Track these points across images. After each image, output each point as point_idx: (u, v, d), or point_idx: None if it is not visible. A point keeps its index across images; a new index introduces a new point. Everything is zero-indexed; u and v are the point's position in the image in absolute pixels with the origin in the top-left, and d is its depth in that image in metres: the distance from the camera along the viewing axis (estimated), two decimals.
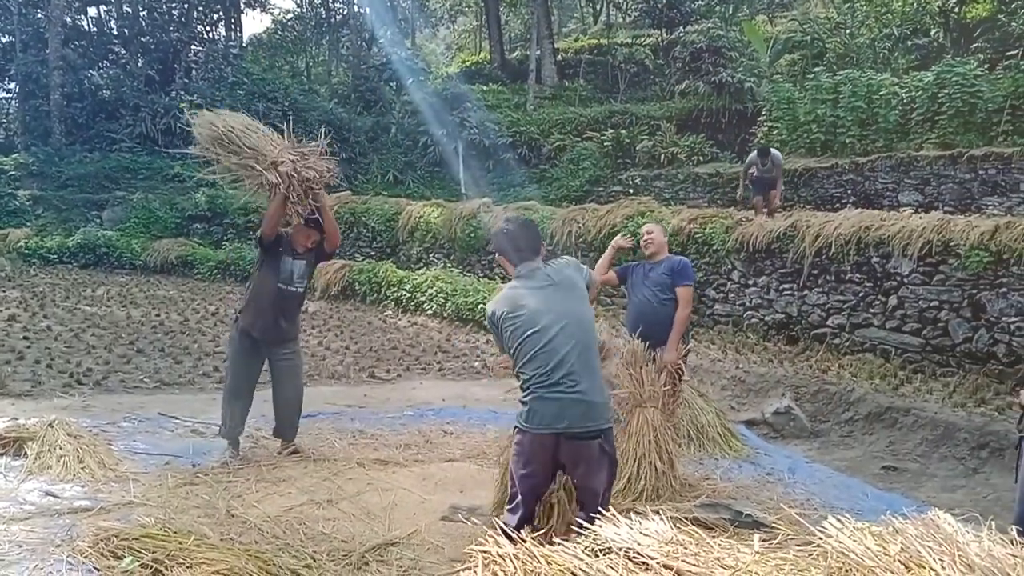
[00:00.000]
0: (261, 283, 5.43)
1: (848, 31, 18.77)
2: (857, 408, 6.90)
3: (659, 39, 26.48)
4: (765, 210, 10.30)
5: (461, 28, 42.81)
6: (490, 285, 11.80)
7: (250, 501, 4.54)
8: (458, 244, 13.97)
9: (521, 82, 26.42)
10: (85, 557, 3.52)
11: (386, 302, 13.01)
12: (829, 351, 8.46)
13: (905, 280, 7.92)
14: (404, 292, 12.73)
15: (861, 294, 8.35)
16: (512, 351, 3.37)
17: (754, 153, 10.52)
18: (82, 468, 4.77)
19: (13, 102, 26.02)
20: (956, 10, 16.73)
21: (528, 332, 3.29)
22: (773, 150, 10.65)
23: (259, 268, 5.56)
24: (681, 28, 22.98)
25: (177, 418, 6.31)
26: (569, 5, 39.31)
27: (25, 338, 9.14)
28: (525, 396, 3.33)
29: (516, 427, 3.41)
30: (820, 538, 2.24)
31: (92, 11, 27.79)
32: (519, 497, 3.42)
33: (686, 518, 3.81)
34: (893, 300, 8.04)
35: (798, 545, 2.38)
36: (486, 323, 3.65)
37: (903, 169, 12.03)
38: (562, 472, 3.50)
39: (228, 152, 5.24)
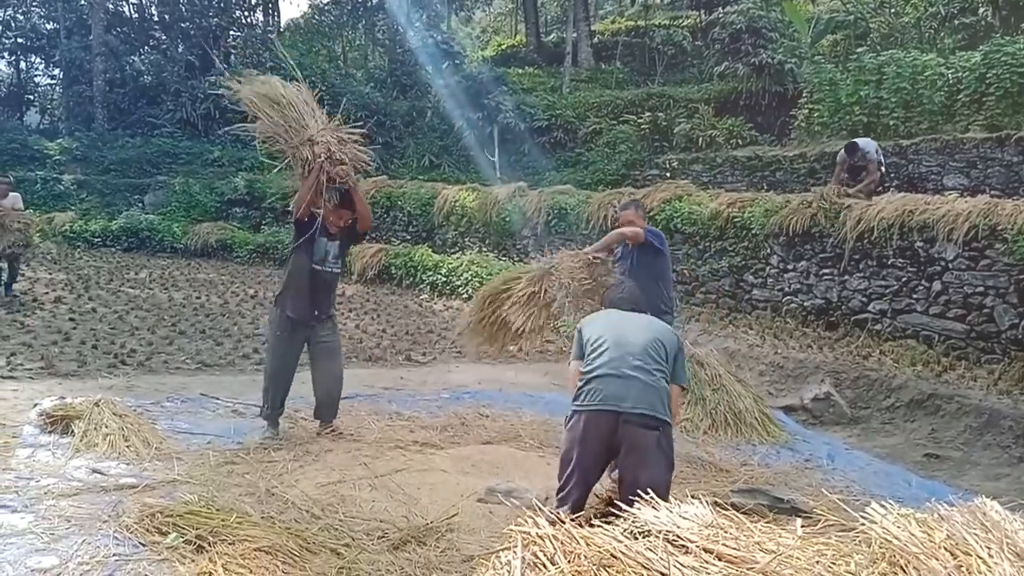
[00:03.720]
0: (297, 265, 5.53)
1: (892, 10, 18.30)
2: (898, 395, 6.80)
3: (698, 20, 26.11)
4: (851, 190, 9.86)
5: (497, 11, 42.61)
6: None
7: (289, 480, 4.61)
8: (493, 228, 13.96)
9: (557, 65, 26.23)
10: (131, 532, 3.61)
11: (422, 286, 13.08)
12: (870, 337, 8.32)
13: (949, 265, 7.75)
14: (440, 276, 12.78)
15: (904, 279, 8.19)
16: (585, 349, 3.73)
17: (842, 151, 10.02)
18: (127, 446, 4.88)
19: (58, 88, 26.54)
20: None
21: (600, 339, 3.66)
22: (862, 141, 10.03)
23: (294, 250, 5.65)
24: (720, 9, 22.57)
25: (218, 399, 6.42)
26: None
27: (71, 319, 9.35)
28: (586, 378, 3.54)
29: (571, 412, 3.56)
30: (863, 524, 2.21)
31: None
32: (569, 484, 3.49)
33: (723, 503, 3.79)
34: (937, 285, 7.87)
35: (840, 531, 2.35)
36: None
37: (948, 152, 11.71)
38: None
39: (270, 111, 5.29)
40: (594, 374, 3.57)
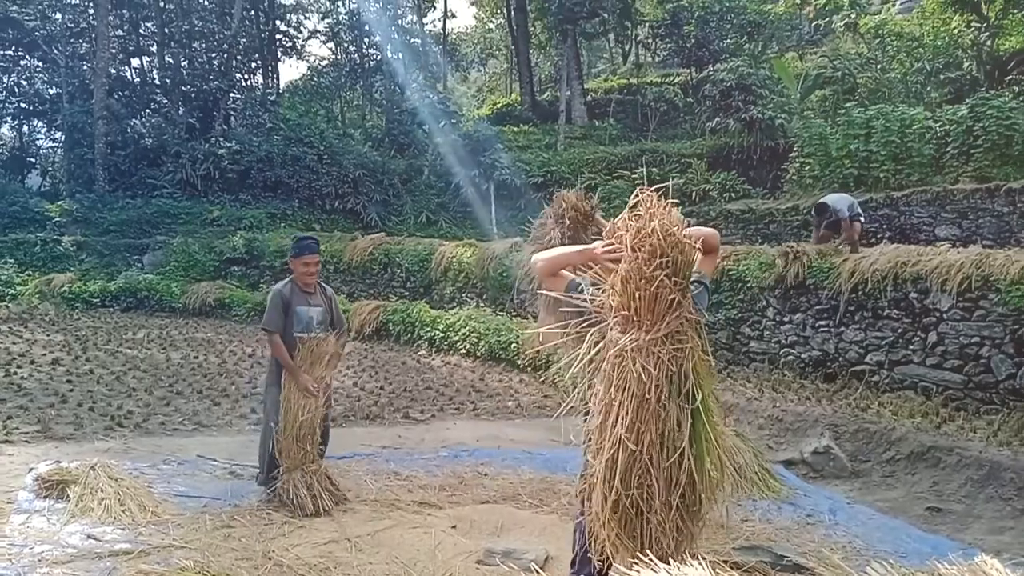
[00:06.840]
0: (283, 336, 5.46)
1: (879, 66, 18.72)
2: (899, 447, 6.76)
3: (688, 77, 26.67)
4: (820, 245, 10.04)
5: (492, 71, 43.51)
6: (523, 324, 11.80)
7: (286, 544, 4.56)
8: (490, 284, 14.03)
9: (551, 123, 26.73)
10: None
11: (420, 342, 13.08)
12: (868, 389, 8.32)
13: (944, 316, 7.79)
14: (437, 332, 12.79)
15: (899, 330, 8.22)
16: None
17: (812, 213, 10.20)
18: (123, 511, 4.83)
19: (59, 151, 26.91)
20: (988, 43, 16.62)
21: None
22: (829, 200, 10.16)
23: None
24: (710, 66, 23.14)
25: (215, 460, 6.38)
26: (598, 46, 39.75)
27: (68, 381, 9.32)
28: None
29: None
30: None
31: (135, 62, 28.83)
32: (586, 555, 3.04)
33: (724, 561, 3.75)
34: (933, 336, 7.90)
35: None
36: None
37: (939, 203, 11.88)
38: None
39: None
40: None
